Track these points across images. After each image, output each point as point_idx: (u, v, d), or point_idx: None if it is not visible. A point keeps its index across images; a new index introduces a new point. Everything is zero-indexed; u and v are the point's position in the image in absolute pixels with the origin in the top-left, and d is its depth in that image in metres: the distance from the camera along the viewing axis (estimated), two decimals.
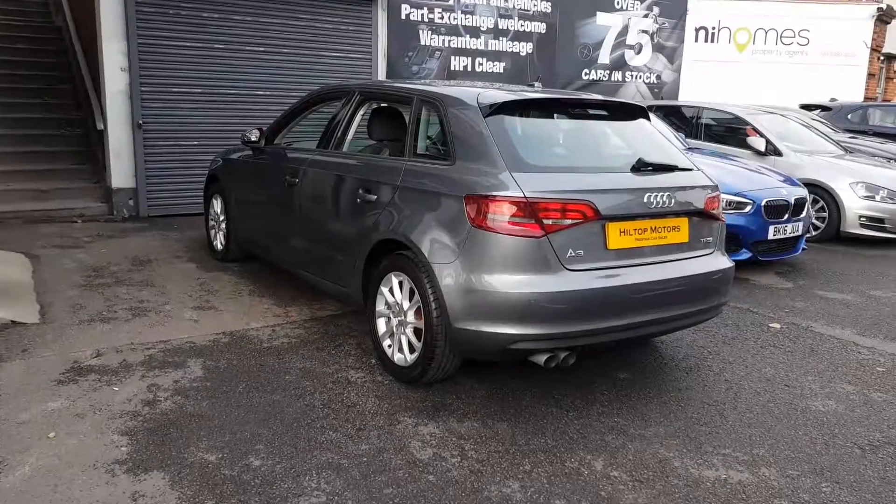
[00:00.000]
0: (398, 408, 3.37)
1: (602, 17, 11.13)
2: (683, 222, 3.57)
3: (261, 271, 5.68)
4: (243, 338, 4.21)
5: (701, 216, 3.66)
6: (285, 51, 8.49)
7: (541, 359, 3.21)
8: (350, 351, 4.07)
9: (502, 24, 10.11)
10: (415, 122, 3.79)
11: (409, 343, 3.57)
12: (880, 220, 8.10)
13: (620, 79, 11.69)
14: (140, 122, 7.63)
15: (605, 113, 3.81)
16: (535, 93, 3.76)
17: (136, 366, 3.70)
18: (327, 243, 4.23)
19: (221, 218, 5.85)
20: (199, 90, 7.98)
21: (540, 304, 3.10)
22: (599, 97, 3.74)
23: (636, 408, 3.51)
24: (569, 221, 3.17)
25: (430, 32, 9.49)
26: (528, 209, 3.11)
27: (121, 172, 7.74)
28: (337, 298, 4.58)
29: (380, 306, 3.78)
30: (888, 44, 18.51)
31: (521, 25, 10.27)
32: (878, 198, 8.13)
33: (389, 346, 3.73)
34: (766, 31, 17.24)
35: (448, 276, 3.24)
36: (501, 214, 3.13)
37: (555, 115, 3.67)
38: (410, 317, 3.53)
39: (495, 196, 3.14)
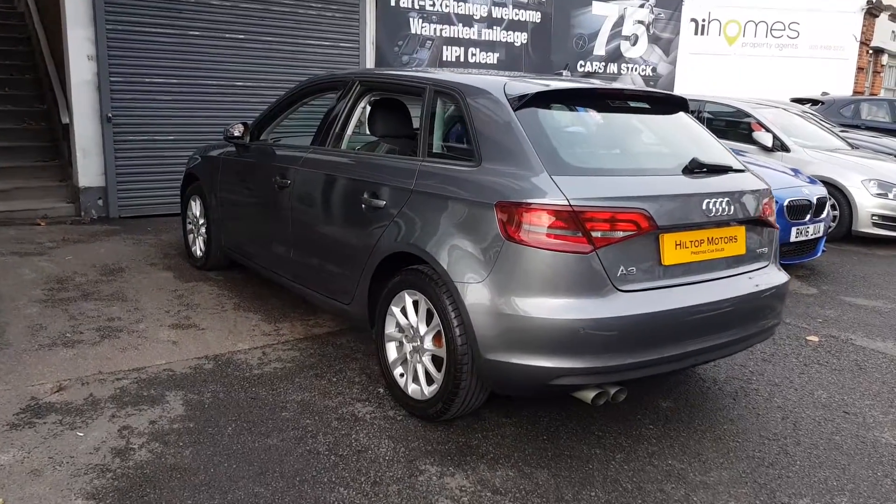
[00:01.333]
0: (418, 452, 2.87)
1: (598, 7, 10.68)
2: (741, 231, 3.11)
3: (245, 281, 5.13)
4: (230, 363, 3.67)
5: (756, 224, 3.20)
6: (267, 38, 7.91)
7: (588, 395, 2.73)
8: (353, 378, 3.56)
9: (496, 12, 9.60)
10: (428, 117, 3.28)
11: (427, 373, 3.07)
12: (894, 220, 7.76)
13: (616, 71, 11.25)
14: (109, 115, 7.01)
15: (646, 106, 3.34)
16: (567, 82, 3.26)
17: (106, 402, 3.15)
18: (326, 254, 3.71)
19: (201, 221, 5.29)
20: (175, 81, 7.37)
21: (589, 332, 2.61)
22: (639, 88, 3.25)
23: (689, 445, 3.05)
24: (620, 234, 2.68)
25: (420, 20, 8.95)
26: (574, 219, 2.62)
27: (89, 170, 7.11)
28: (337, 316, 4.07)
29: (390, 329, 3.27)
30: (876, 37, 18.30)
31: (516, 14, 9.78)
32: (891, 195, 7.79)
33: (402, 375, 3.23)
34: (756, 23, 16.94)
35: (476, 298, 2.75)
36: (541, 225, 2.63)
37: (591, 109, 3.18)
38: (428, 343, 3.03)
39: (534, 204, 2.65)
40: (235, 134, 4.55)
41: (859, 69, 17.91)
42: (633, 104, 3.32)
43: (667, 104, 3.40)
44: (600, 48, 10.91)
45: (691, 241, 2.89)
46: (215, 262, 5.23)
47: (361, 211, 3.39)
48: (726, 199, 2.98)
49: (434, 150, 3.25)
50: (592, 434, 3.10)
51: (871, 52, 18.33)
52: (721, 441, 3.12)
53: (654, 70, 11.74)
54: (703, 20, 16.13)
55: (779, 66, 16.66)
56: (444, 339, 2.91)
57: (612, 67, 11.20)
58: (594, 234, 2.63)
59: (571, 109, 3.11)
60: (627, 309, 2.66)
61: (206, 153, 5.29)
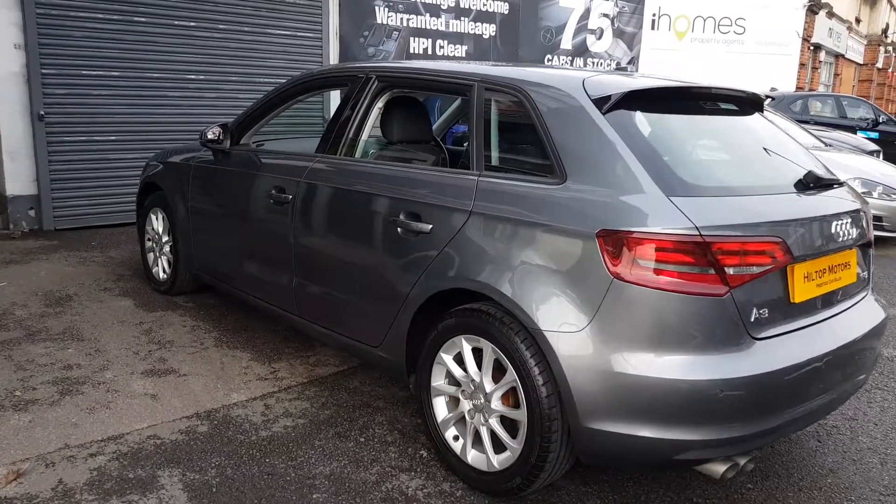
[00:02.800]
0: None
1: None
2: (853, 256, 2.65)
3: (222, 308, 4.41)
4: (228, 422, 2.99)
5: (863, 246, 2.75)
6: (221, 27, 7.10)
7: (717, 470, 2.21)
8: (384, 437, 2.94)
9: (464, 2, 9.02)
10: (481, 121, 2.69)
11: (494, 438, 2.49)
12: (878, 219, 7.61)
13: (582, 65, 10.84)
14: (42, 112, 6.09)
15: (734, 108, 2.83)
16: (653, 80, 2.72)
17: (82, 492, 2.43)
18: (345, 287, 3.06)
19: (165, 239, 4.53)
20: (116, 73, 6.49)
21: (728, 394, 2.09)
22: (727, 86, 2.75)
23: None
24: (756, 269, 2.17)
25: (387, 10, 8.29)
26: (705, 252, 2.09)
27: (18, 176, 6.17)
28: (362, 360, 3.43)
29: (438, 381, 2.67)
30: (815, 34, 18.63)
31: (484, 4, 9.22)
32: (875, 194, 7.66)
33: (457, 438, 2.64)
34: (705, 19, 16.95)
35: (573, 351, 2.18)
36: (662, 261, 2.09)
37: (686, 111, 2.66)
38: (497, 402, 2.45)
39: (652, 234, 2.10)
40: (212, 137, 3.83)
41: (801, 65, 18.20)
42: (723, 105, 2.80)
43: (749, 104, 2.91)
44: (567, 42, 10.49)
45: (816, 272, 2.40)
46: (183, 286, 4.49)
47: (396, 235, 2.76)
48: (849, 218, 2.51)
49: (493, 163, 2.65)
50: (690, 501, 2.59)
51: (811, 48, 18.66)
52: (832, 499, 2.66)
53: (618, 65, 11.41)
54: (654, 15, 16.00)
55: (726, 61, 16.70)
56: (521, 399, 2.33)
57: (579, 62, 10.80)
58: (728, 270, 2.10)
59: (665, 112, 2.57)
60: (769, 362, 2.15)
61: (167, 158, 4.52)
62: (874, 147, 11.09)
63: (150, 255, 4.73)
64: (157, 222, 4.58)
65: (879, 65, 28.49)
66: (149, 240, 4.74)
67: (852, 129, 13.68)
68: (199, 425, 2.95)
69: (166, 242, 4.51)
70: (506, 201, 2.45)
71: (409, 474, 2.67)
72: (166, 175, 4.41)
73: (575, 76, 2.58)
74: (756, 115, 2.94)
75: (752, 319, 2.17)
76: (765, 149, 2.71)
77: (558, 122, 2.43)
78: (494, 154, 2.66)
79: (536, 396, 2.28)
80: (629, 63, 3.27)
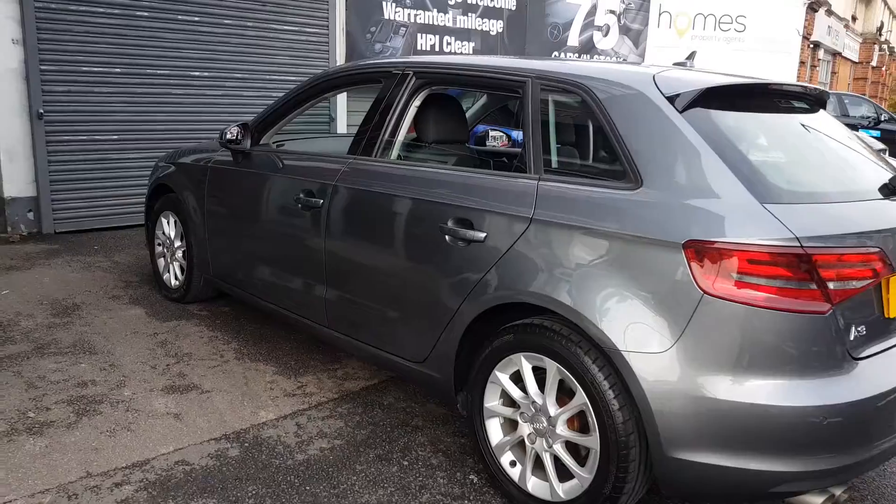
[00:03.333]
0: None
1: None
2: None
3: (238, 317, 4.19)
4: (260, 444, 2.78)
5: None
6: (226, 22, 6.86)
7: (813, 502, 2.02)
8: (429, 459, 2.74)
9: None
10: (537, 121, 2.49)
11: (558, 464, 2.30)
12: None
13: None
14: (40, 110, 5.83)
15: (805, 105, 2.64)
16: (724, 76, 2.53)
17: None
18: (384, 298, 2.86)
19: (177, 244, 4.30)
20: (119, 70, 6.24)
21: (832, 422, 1.90)
22: (797, 82, 2.56)
23: None
24: (857, 283, 1.98)
25: (394, 5, 8.07)
26: (806, 265, 1.90)
27: (16, 177, 5.91)
28: (401, 377, 3.23)
29: (492, 402, 2.48)
30: (814, 32, 18.55)
31: (492, 1, 9.01)
32: None
33: (514, 464, 2.44)
34: (705, 16, 16.81)
35: (657, 374, 1.99)
36: (761, 275, 1.90)
37: (764, 110, 2.46)
38: (562, 427, 2.25)
39: (750, 245, 1.91)
40: (232, 137, 3.60)
41: (801, 63, 18.11)
42: (796, 104, 2.61)
43: (818, 102, 2.72)
44: (574, 39, 10.31)
45: None
46: (197, 294, 4.27)
47: (444, 244, 2.56)
48: None
49: (554, 166, 2.45)
50: None
51: (811, 46, 18.57)
52: None
53: (624, 62, 11.23)
54: (655, 12, 15.82)
55: (727, 59, 16.56)
56: (593, 424, 2.14)
57: (586, 59, 10.61)
58: (830, 285, 1.91)
59: (741, 110, 2.37)
60: (873, 385, 1.97)
61: (179, 159, 4.29)
62: (881, 146, 10.97)
63: (161, 261, 4.51)
64: (169, 226, 4.35)
65: (874, 63, 28.53)
66: (159, 245, 4.51)
67: (854, 127, 13.55)
68: (229, 448, 2.73)
69: (179, 248, 4.29)
70: (572, 208, 2.25)
71: (461, 503, 2.47)
72: (179, 177, 4.18)
73: (642, 71, 2.38)
74: (821, 112, 2.76)
75: (853, 338, 1.99)
76: (840, 150, 2.52)
77: (630, 122, 2.23)
78: (553, 156, 2.46)
79: (611, 422, 2.08)
80: (688, 58, 3.12)
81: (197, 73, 6.74)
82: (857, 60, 26.51)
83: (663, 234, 2.02)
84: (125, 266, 5.14)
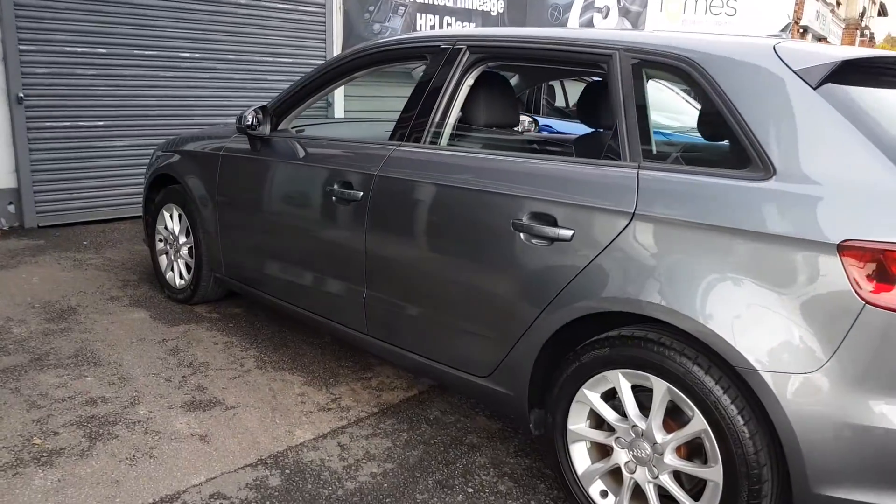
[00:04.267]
0: None
1: None
2: None
3: (251, 317, 3.83)
4: (302, 469, 2.45)
5: None
6: (216, 0, 6.42)
7: None
8: (495, 484, 2.43)
9: None
10: (630, 100, 2.17)
11: (663, 496, 2.00)
12: None
13: None
14: (21, 94, 5.38)
15: None
16: (849, 49, 2.22)
17: None
18: (440, 305, 2.53)
19: (182, 240, 3.92)
20: (103, 50, 5.79)
21: None
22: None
23: None
24: None
25: None
26: None
27: None
28: (458, 391, 2.91)
29: (578, 423, 2.17)
30: (804, 17, 18.44)
31: None
32: None
33: (605, 494, 2.15)
34: (696, 0, 16.59)
35: (804, 397, 1.70)
36: None
37: (888, 87, 2.17)
38: (671, 456, 1.95)
39: None
40: (251, 122, 3.23)
41: None
42: None
43: None
44: (574, 20, 9.98)
45: None
46: (206, 294, 3.90)
47: (518, 243, 2.24)
48: None
49: (655, 152, 2.13)
50: None
51: (800, 30, 18.47)
52: None
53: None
54: None
55: None
56: (714, 453, 1.85)
57: None
58: None
59: (882, 87, 2.07)
60: None
61: (183, 147, 3.91)
62: None
63: (163, 259, 4.12)
64: (173, 221, 3.97)
65: None
66: (161, 240, 4.13)
67: None
68: (268, 476, 2.40)
69: (185, 244, 3.91)
70: (686, 201, 1.93)
71: None
72: (186, 166, 3.79)
73: (759, 43, 2.07)
74: None
75: None
76: None
77: (753, 101, 1.92)
78: (653, 142, 2.14)
79: (740, 452, 1.79)
80: (783, 30, 2.86)
81: (187, 55, 6.30)
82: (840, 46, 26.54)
83: (811, 232, 1.71)
84: (120, 263, 4.74)
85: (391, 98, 7.75)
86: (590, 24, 10.29)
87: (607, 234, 2.05)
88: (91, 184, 5.91)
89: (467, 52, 2.67)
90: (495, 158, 2.42)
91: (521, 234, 2.23)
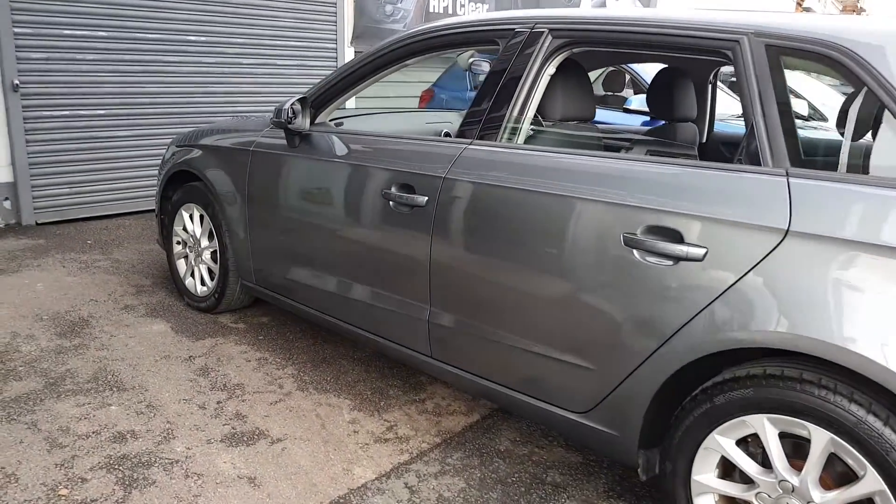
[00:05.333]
0: None
1: None
2: None
3: (280, 327, 3.50)
4: None
5: None
6: None
7: None
8: None
9: None
10: (768, 94, 1.83)
11: None
12: None
13: None
14: (16, 81, 4.97)
15: None
16: None
17: None
18: (527, 328, 2.20)
19: (205, 244, 3.57)
20: (104, 33, 5.38)
21: None
22: None
23: None
24: None
25: None
26: None
27: None
28: (545, 425, 2.58)
29: (705, 473, 1.87)
30: None
31: None
32: None
33: None
34: None
35: None
36: None
37: None
38: None
39: None
40: (291, 116, 2.87)
41: None
42: None
43: None
44: (587, 2, 9.61)
45: None
46: (232, 303, 3.56)
47: (632, 262, 1.91)
48: None
49: (805, 156, 1.80)
50: None
51: (803, 11, 18.17)
52: None
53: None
54: None
55: None
56: None
57: None
58: None
59: None
60: None
61: (205, 141, 3.54)
62: None
63: (182, 263, 3.77)
64: (193, 222, 3.61)
65: None
66: (178, 243, 3.77)
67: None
68: None
69: (207, 248, 3.56)
70: (855, 216, 1.61)
71: None
72: (209, 162, 3.43)
73: None
74: None
75: None
76: None
77: None
78: (799, 143, 1.82)
79: None
80: None
81: (193, 38, 5.90)
82: None
83: None
84: (129, 265, 4.37)
85: (409, 83, 7.38)
86: (602, 5, 9.91)
87: (752, 253, 1.72)
88: (92, 177, 5.53)
89: (549, 37, 2.33)
90: (597, 161, 2.08)
91: (635, 252, 1.90)
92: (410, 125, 3.73)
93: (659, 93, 3.06)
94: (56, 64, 5.17)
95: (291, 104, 2.86)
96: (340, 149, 2.80)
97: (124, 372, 2.95)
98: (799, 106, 7.41)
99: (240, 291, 3.49)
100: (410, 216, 2.47)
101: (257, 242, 3.20)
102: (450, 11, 7.86)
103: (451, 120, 3.96)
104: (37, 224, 5.25)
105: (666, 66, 3.14)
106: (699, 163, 1.91)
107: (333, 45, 6.95)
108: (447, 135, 3.88)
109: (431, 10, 7.69)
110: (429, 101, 7.33)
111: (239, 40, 6.22)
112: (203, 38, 5.97)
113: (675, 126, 3.11)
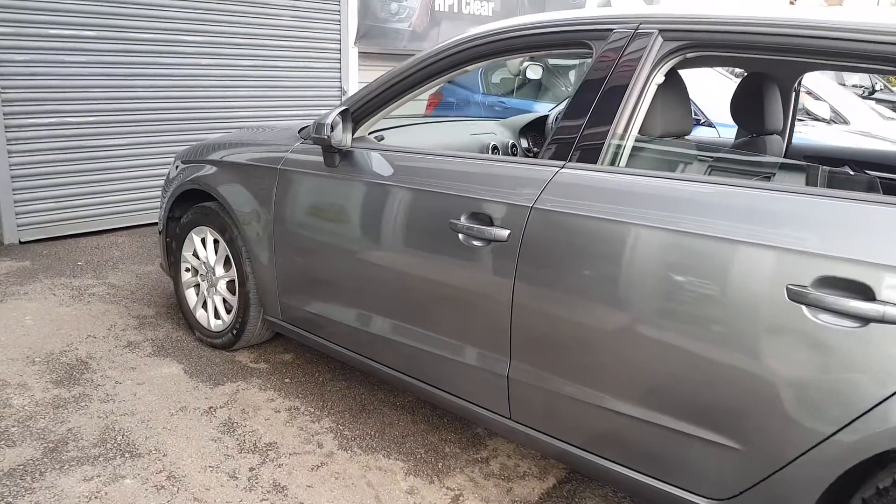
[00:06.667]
0: None
1: None
2: None
3: (308, 367, 3.09)
4: None
5: None
6: None
7: None
8: None
9: None
10: None
11: None
12: None
13: None
14: None
15: None
16: None
17: None
18: (651, 396, 1.81)
19: (220, 272, 3.14)
20: (93, 32, 4.92)
21: None
22: None
23: None
24: None
25: None
26: None
27: None
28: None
29: None
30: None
31: None
32: None
33: None
34: None
35: None
36: None
37: None
38: None
39: None
40: (331, 132, 2.44)
41: None
42: None
43: None
44: (593, 3, 9.26)
45: None
46: (252, 338, 3.14)
47: (802, 322, 1.53)
48: None
49: None
50: None
51: (791, 3, 18.01)
52: None
53: None
54: None
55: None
56: None
57: None
58: None
59: None
60: None
61: (218, 155, 3.11)
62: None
63: (192, 293, 3.34)
64: (206, 248, 3.18)
65: None
66: (188, 270, 3.34)
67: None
68: None
69: (223, 277, 3.13)
70: None
71: None
72: (226, 181, 3.00)
73: None
74: None
75: None
76: None
77: None
78: None
79: None
80: None
81: (189, 38, 5.44)
82: None
83: None
84: (128, 292, 3.92)
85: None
86: (607, 3, 9.58)
87: None
88: (81, 189, 5.05)
89: (658, 39, 1.94)
90: (752, 192, 1.68)
91: (805, 309, 1.52)
92: (454, 138, 3.33)
93: (747, 102, 2.69)
94: (40, 66, 4.69)
95: (331, 118, 2.45)
96: (392, 169, 2.40)
97: (136, 430, 2.52)
98: (820, 108, 7.12)
99: (261, 326, 3.07)
100: (487, 252, 2.07)
101: (286, 274, 2.78)
102: (455, 11, 7.47)
103: (495, 131, 3.56)
104: (20, 243, 4.77)
105: (752, 72, 2.77)
106: (885, 197, 1.53)
107: (337, 46, 6.52)
108: (495, 148, 3.48)
109: (436, 8, 7.29)
110: (437, 105, 6.93)
111: (237, 40, 5.77)
112: (199, 38, 5.51)
113: (763, 140, 2.74)
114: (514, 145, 3.65)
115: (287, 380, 3.00)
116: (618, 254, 1.81)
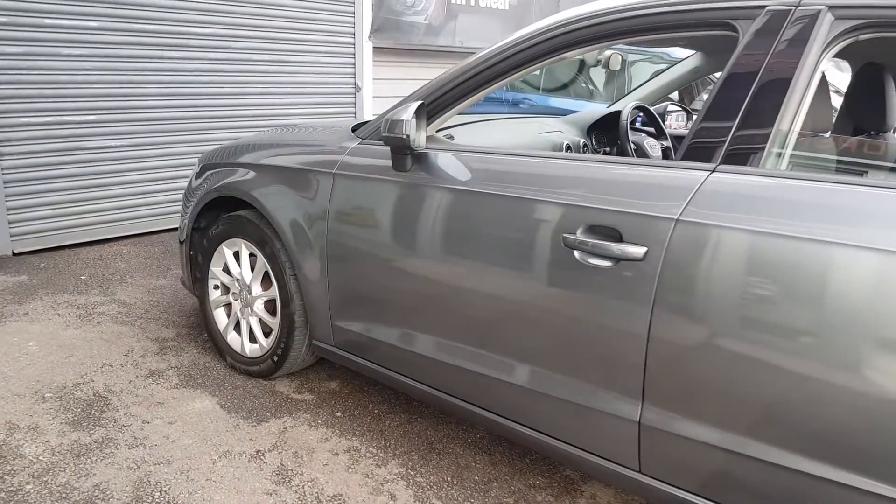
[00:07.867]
0: None
1: None
2: None
3: (361, 397, 2.71)
4: None
5: None
6: None
7: None
8: None
9: None
10: None
11: None
12: None
13: None
14: None
15: None
16: None
17: None
18: (840, 454, 1.46)
19: (257, 290, 2.76)
20: (95, 23, 4.50)
21: None
22: None
23: None
24: None
25: None
26: None
27: None
28: None
29: None
30: None
31: None
32: None
33: None
34: None
35: None
36: None
37: None
38: None
39: None
40: (409, 132, 2.07)
41: None
42: None
43: None
44: None
45: None
46: (294, 365, 2.76)
47: None
48: None
49: None
50: None
51: None
52: None
53: None
54: None
55: None
56: None
57: None
58: None
59: None
60: None
61: (255, 158, 2.73)
62: None
63: (221, 313, 2.95)
64: (240, 262, 2.80)
65: None
66: (217, 287, 2.95)
67: None
68: None
69: (261, 296, 2.75)
70: None
71: None
72: (269, 186, 2.61)
73: None
74: None
75: None
76: None
77: None
78: None
79: None
80: None
81: (197, 30, 5.03)
82: None
83: None
84: (142, 310, 3.52)
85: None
86: None
87: None
88: (80, 195, 4.64)
89: (828, 16, 1.59)
90: None
91: None
92: (525, 137, 2.96)
93: (867, 97, 2.35)
94: (37, 60, 4.27)
95: (401, 113, 2.08)
96: (478, 174, 2.03)
97: (175, 484, 2.13)
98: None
99: (306, 352, 2.69)
100: (613, 273, 1.71)
101: (342, 294, 2.40)
102: (472, 4, 7.11)
103: (561, 129, 3.20)
104: (14, 254, 4.35)
105: (866, 65, 2.44)
106: None
107: (351, 39, 6.13)
108: (568, 148, 3.13)
109: (453, 2, 6.93)
110: None
111: (248, 33, 5.37)
112: (208, 31, 5.11)
113: (886, 138, 2.41)
114: (585, 144, 3.30)
115: (339, 413, 2.62)
116: (797, 279, 1.45)
